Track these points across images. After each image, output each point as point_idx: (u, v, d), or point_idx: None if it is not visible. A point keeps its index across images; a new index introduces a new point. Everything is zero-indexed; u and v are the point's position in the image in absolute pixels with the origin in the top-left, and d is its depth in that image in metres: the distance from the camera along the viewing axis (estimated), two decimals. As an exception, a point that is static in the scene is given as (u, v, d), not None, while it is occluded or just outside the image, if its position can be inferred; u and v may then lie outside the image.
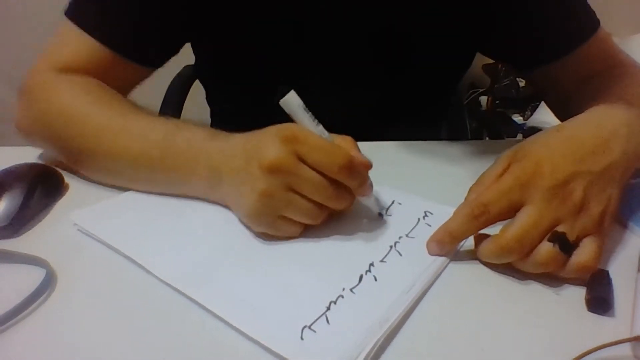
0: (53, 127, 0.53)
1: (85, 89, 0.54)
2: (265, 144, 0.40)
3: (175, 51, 0.64)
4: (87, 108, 0.52)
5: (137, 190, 0.50)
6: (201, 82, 0.79)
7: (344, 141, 0.43)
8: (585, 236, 0.39)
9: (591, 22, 0.61)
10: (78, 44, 0.56)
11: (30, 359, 0.34)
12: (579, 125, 0.44)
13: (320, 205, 0.41)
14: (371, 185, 0.44)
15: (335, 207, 0.42)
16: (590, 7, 0.61)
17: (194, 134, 0.47)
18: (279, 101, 0.41)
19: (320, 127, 0.42)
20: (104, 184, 0.52)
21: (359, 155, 0.42)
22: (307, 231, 0.43)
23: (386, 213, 0.47)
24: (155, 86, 0.65)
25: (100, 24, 0.56)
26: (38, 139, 0.56)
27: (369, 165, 0.43)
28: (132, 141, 0.48)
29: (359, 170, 0.41)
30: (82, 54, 0.56)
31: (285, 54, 0.63)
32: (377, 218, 0.46)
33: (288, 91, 0.41)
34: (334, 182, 0.40)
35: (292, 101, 0.41)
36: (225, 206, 0.47)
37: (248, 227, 0.44)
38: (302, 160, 0.39)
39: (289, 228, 0.42)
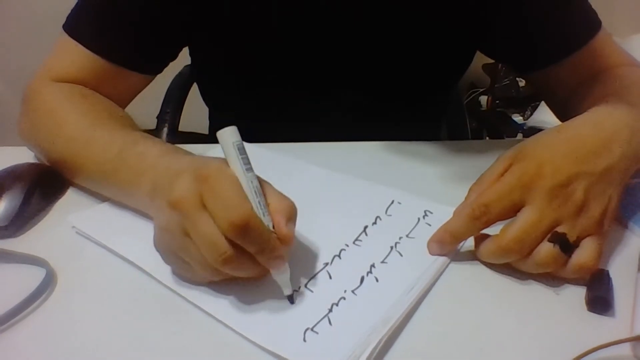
0: (38, 134, 0.54)
1: (68, 96, 0.54)
2: (181, 176, 0.36)
3: (174, 56, 0.64)
4: (65, 116, 0.52)
5: None
6: (198, 84, 0.79)
7: (279, 203, 0.37)
8: (585, 236, 0.39)
9: (592, 24, 0.60)
10: (75, 56, 0.56)
11: (30, 359, 0.34)
12: (580, 126, 0.44)
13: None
14: (283, 260, 0.36)
15: (227, 271, 0.35)
16: (591, 7, 0.61)
17: (148, 149, 0.45)
18: (216, 131, 0.36)
19: (252, 174, 0.36)
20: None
21: (282, 225, 0.36)
22: (307, 232, 0.43)
23: (295, 298, 0.38)
24: (155, 86, 0.65)
25: (97, 35, 0.56)
26: (32, 147, 0.57)
27: (288, 239, 0.36)
28: (93, 154, 0.48)
29: (260, 237, 0.34)
30: (80, 65, 0.56)
31: (284, 55, 0.63)
32: (287, 299, 0.37)
33: (231, 122, 0.36)
34: (233, 244, 0.34)
35: (227, 137, 0.36)
36: None
37: None
38: (205, 205, 0.34)
39: (190, 273, 0.37)
